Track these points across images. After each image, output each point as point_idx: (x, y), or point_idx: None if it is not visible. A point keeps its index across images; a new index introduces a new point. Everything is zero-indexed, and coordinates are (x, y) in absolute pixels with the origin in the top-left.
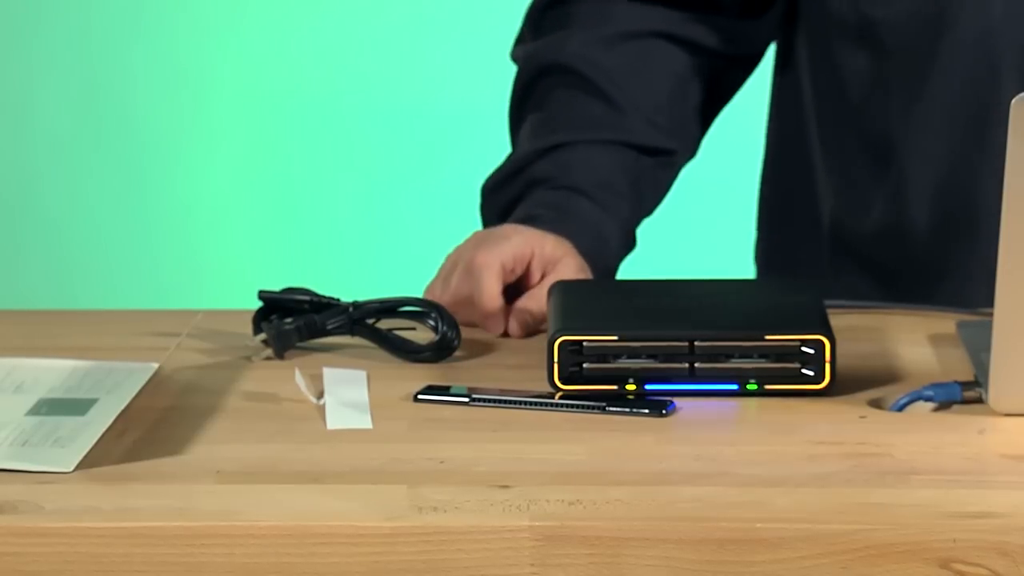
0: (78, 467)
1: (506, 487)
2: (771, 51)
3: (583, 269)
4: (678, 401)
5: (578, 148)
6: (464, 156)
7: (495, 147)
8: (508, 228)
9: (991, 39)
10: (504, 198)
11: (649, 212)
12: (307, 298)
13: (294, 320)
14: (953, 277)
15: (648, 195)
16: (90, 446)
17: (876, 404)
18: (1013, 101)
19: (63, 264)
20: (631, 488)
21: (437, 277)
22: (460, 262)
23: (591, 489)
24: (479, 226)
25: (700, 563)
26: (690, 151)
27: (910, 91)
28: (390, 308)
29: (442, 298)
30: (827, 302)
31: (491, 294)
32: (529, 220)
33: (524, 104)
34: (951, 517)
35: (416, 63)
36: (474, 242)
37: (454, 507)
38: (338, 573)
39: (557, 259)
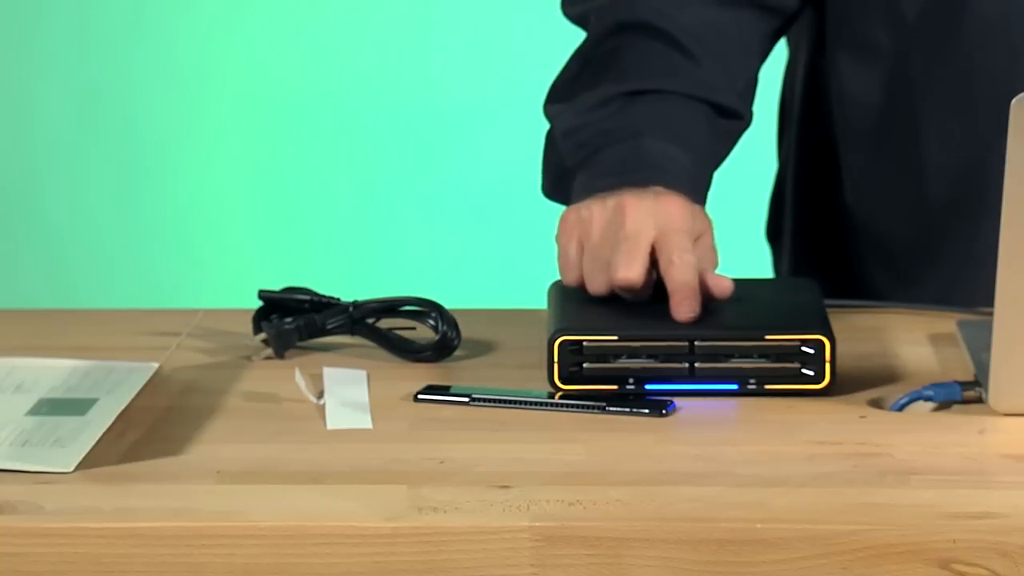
0: (78, 467)
1: (506, 487)
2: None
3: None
4: (678, 401)
5: (667, 99)
6: (464, 156)
7: (495, 147)
8: (672, 202)
9: (1009, 21)
10: (597, 137)
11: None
12: (307, 298)
13: (294, 320)
14: (967, 258)
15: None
16: (90, 446)
17: (876, 404)
18: (1013, 101)
19: (63, 264)
20: (631, 488)
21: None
22: (641, 238)
23: (591, 489)
24: (478, 225)
25: (700, 563)
26: (750, 118)
27: (932, 70)
28: (390, 308)
29: (628, 274)
30: (827, 302)
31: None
32: (662, 178)
33: (592, 60)
34: (951, 517)
35: (416, 63)
36: (647, 219)
37: (454, 507)
38: (338, 573)
39: (698, 234)
